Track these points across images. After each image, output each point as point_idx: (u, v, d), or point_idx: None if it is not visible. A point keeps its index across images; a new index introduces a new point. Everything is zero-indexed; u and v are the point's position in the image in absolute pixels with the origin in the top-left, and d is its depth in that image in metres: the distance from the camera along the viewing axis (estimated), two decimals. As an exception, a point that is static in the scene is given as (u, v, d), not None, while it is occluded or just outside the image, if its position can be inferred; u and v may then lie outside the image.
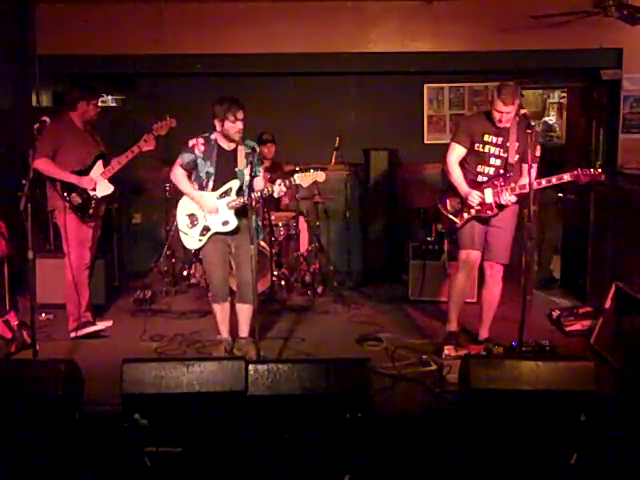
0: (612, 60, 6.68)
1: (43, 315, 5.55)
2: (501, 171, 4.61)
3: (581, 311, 5.33)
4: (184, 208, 4.67)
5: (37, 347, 4.14)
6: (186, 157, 4.54)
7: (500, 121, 4.49)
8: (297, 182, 4.37)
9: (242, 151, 4.49)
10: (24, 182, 4.13)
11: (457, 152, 4.68)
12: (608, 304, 4.76)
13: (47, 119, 4.22)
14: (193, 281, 6.44)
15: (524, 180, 4.53)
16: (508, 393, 3.34)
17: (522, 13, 6.35)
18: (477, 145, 4.63)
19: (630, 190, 5.44)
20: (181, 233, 4.71)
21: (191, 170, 4.58)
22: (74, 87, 5.18)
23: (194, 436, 3.25)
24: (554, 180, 4.48)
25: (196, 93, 7.04)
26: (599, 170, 4.43)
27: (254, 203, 4.42)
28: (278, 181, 4.41)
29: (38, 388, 3.33)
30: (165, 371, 3.30)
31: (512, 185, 4.55)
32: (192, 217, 4.62)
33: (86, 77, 6.74)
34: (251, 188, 4.56)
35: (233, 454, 3.21)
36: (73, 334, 5.06)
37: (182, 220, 4.67)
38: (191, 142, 4.53)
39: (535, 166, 4.45)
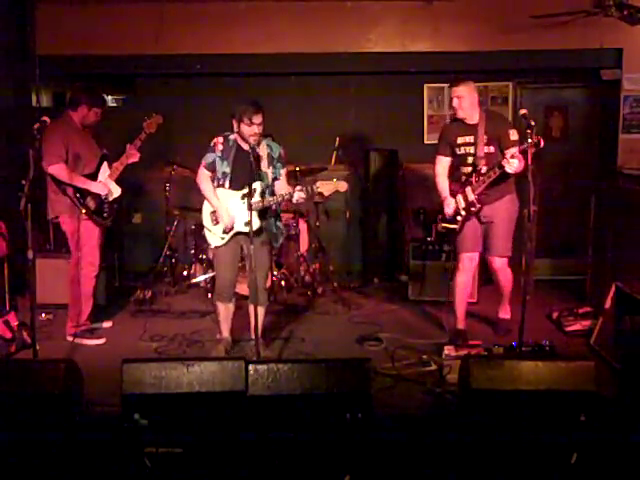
0: (612, 60, 6.68)
1: (43, 315, 5.55)
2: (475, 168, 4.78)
3: (581, 311, 5.33)
4: (209, 206, 4.62)
5: (37, 347, 4.14)
6: (209, 157, 4.51)
7: (457, 108, 4.73)
8: (319, 190, 4.32)
9: (264, 151, 4.46)
10: (24, 182, 4.13)
11: (442, 163, 4.97)
12: (608, 304, 4.76)
13: (47, 119, 4.21)
14: (193, 281, 6.44)
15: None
16: (508, 393, 3.34)
17: (522, 13, 6.35)
18: (457, 149, 4.85)
19: (630, 190, 5.44)
20: (205, 230, 4.70)
21: (214, 170, 4.53)
22: (81, 88, 5.13)
23: (194, 436, 3.25)
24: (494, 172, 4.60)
25: (196, 93, 7.05)
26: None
27: (274, 206, 4.49)
28: (298, 187, 4.38)
29: (38, 388, 3.32)
30: (165, 371, 3.30)
31: (481, 177, 4.69)
32: (214, 214, 4.59)
33: (86, 77, 6.74)
34: (273, 190, 4.53)
35: (233, 454, 3.21)
36: (70, 338, 5.06)
37: (207, 217, 4.65)
38: (213, 141, 4.51)
39: (515, 150, 4.46)
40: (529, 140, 4.24)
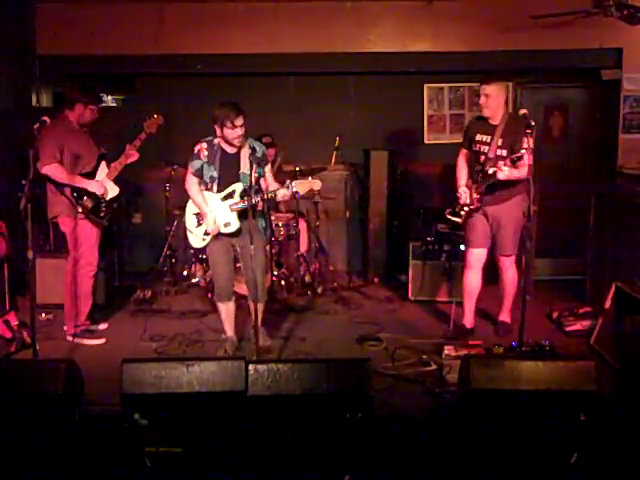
0: (612, 60, 6.68)
1: (43, 315, 5.55)
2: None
3: (581, 311, 5.33)
4: (192, 207, 4.71)
5: (37, 347, 4.14)
6: (195, 164, 4.56)
7: (483, 106, 4.78)
8: (295, 189, 4.41)
9: (246, 153, 4.50)
10: (24, 182, 4.13)
11: (462, 155, 5.04)
12: (608, 304, 4.76)
13: (47, 119, 4.21)
14: (193, 281, 6.44)
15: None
16: (508, 393, 3.34)
17: (522, 13, 6.34)
18: (473, 145, 4.92)
19: (630, 190, 5.44)
20: (187, 231, 4.78)
21: (201, 176, 4.58)
22: (77, 87, 5.14)
23: (194, 436, 3.25)
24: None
25: (196, 93, 7.05)
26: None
27: (260, 204, 4.52)
28: (284, 185, 4.46)
29: (38, 388, 3.33)
30: (165, 371, 3.30)
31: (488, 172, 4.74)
32: (199, 216, 4.67)
33: (86, 77, 6.74)
34: (259, 189, 4.56)
35: (233, 454, 3.21)
36: (70, 338, 5.06)
37: (189, 218, 4.73)
38: (196, 148, 4.56)
39: (525, 157, 4.37)
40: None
